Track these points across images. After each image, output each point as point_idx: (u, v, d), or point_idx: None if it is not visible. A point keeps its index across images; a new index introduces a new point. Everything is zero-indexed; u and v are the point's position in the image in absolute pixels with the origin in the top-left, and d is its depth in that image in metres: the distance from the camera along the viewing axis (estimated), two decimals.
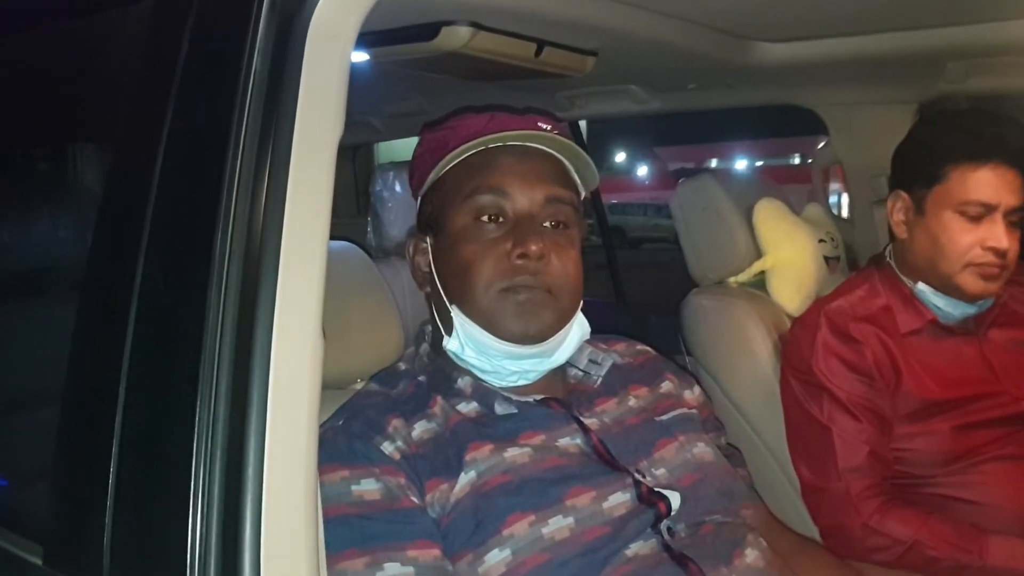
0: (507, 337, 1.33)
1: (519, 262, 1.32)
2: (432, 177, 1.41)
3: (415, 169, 1.48)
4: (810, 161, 3.12)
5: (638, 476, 1.33)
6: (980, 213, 1.79)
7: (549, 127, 1.40)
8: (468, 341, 1.35)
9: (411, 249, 1.47)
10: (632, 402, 1.45)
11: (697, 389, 1.60)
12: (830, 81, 2.38)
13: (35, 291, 1.46)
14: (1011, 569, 1.68)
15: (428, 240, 1.43)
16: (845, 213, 2.86)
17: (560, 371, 1.47)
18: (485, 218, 1.35)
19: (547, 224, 1.37)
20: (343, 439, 1.25)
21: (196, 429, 0.92)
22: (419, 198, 1.47)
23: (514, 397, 1.36)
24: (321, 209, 1.01)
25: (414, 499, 1.22)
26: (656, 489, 1.32)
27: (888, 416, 1.85)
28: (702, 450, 1.43)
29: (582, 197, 1.47)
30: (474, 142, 1.36)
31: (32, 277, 1.46)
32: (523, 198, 1.36)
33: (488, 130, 1.37)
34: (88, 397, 1.09)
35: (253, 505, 0.92)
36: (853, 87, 2.44)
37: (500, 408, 1.34)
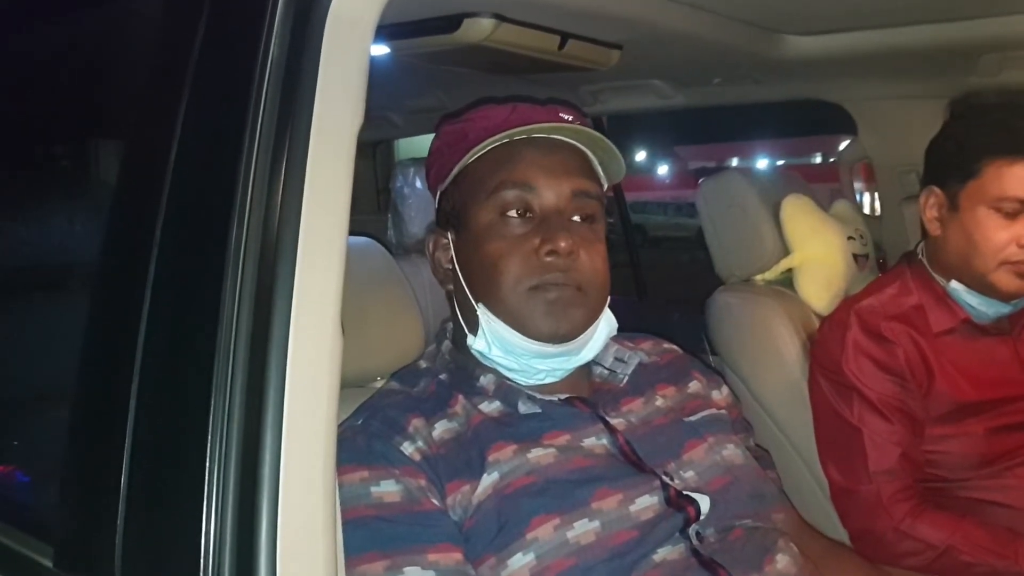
0: (536, 336, 1.30)
1: (548, 259, 1.29)
2: (455, 171, 1.38)
3: (433, 163, 1.45)
4: (832, 160, 3.08)
5: (666, 479, 1.29)
6: (1016, 210, 1.76)
7: (571, 118, 1.37)
8: (495, 340, 1.32)
9: (431, 245, 1.44)
10: (659, 402, 1.42)
11: (725, 389, 1.57)
12: (859, 75, 2.34)
13: (51, 286, 1.44)
14: None
15: (450, 236, 1.40)
16: (868, 210, 2.83)
17: (586, 370, 1.44)
18: (512, 213, 1.32)
19: (575, 219, 1.34)
20: (362, 439, 1.23)
21: (210, 429, 0.90)
22: (438, 193, 1.44)
23: (538, 396, 1.33)
24: (339, 203, 0.98)
25: (435, 501, 1.20)
26: (685, 492, 1.29)
27: (920, 417, 1.82)
28: (732, 452, 1.39)
29: (604, 190, 1.44)
30: (501, 135, 1.33)
31: (48, 272, 1.44)
32: (550, 193, 1.33)
33: (511, 122, 1.34)
34: (100, 396, 1.07)
35: (269, 506, 0.89)
36: (883, 81, 2.39)
37: (523, 407, 1.31)
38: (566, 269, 1.30)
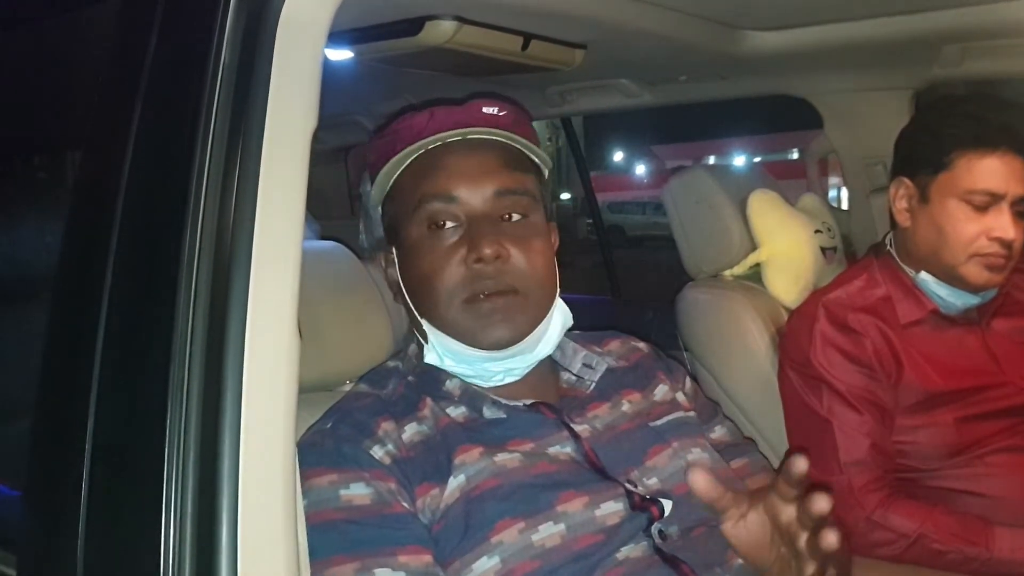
0: (481, 347, 1.30)
1: (476, 267, 1.28)
2: (379, 189, 1.38)
3: (369, 180, 1.44)
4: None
5: (629, 487, 1.28)
6: (986, 202, 1.77)
7: (495, 110, 1.36)
8: (445, 352, 1.33)
9: (382, 262, 1.44)
10: (625, 407, 1.41)
11: (688, 383, 1.55)
12: (823, 69, 2.35)
13: (7, 296, 1.43)
14: (1018, 561, 1.66)
15: (394, 251, 1.40)
16: (846, 206, 2.84)
17: (553, 375, 1.44)
18: (437, 226, 1.32)
19: (504, 217, 1.33)
20: (331, 442, 1.22)
21: (168, 435, 0.90)
22: (379, 209, 1.43)
23: (503, 401, 1.33)
24: (294, 205, 0.98)
25: (405, 504, 1.19)
26: (648, 497, 1.28)
27: (889, 408, 1.82)
28: (697, 456, 1.38)
29: (545, 175, 1.44)
30: (412, 147, 1.32)
31: (4, 282, 1.43)
32: (473, 197, 1.31)
33: (429, 129, 1.33)
34: (59, 404, 1.06)
35: (229, 512, 0.89)
36: (847, 75, 2.41)
37: (488, 412, 1.31)
38: (496, 275, 1.29)
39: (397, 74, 2.22)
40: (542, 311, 1.35)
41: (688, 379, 1.56)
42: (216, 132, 0.95)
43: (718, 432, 1.53)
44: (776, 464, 2.00)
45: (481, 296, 1.29)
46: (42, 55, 1.36)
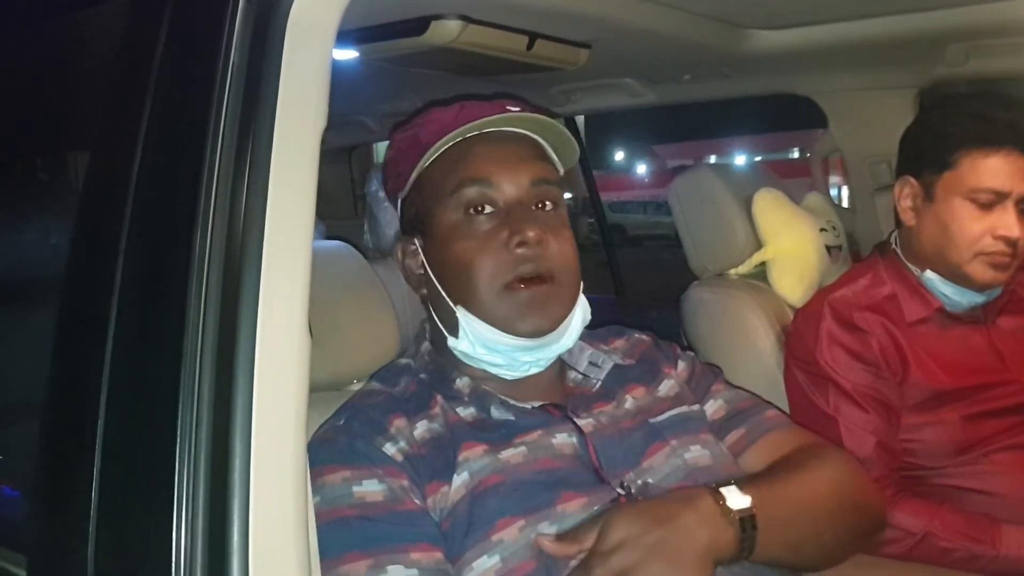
0: (519, 334, 1.31)
1: (519, 251, 1.29)
2: (412, 176, 1.38)
3: (389, 174, 1.45)
4: (809, 155, 3.10)
5: (620, 491, 1.28)
6: (991, 201, 1.77)
7: (519, 109, 1.37)
8: (477, 340, 1.33)
9: (400, 253, 1.44)
10: (628, 403, 1.41)
11: (681, 364, 1.54)
12: (828, 68, 2.36)
13: (16, 296, 1.43)
14: None
15: (417, 242, 1.40)
16: (845, 204, 2.84)
17: (560, 374, 1.44)
18: (474, 211, 1.33)
19: (537, 207, 1.35)
20: (344, 439, 1.23)
21: (179, 435, 0.90)
22: (399, 202, 1.45)
23: (512, 402, 1.33)
24: (304, 205, 0.98)
25: (417, 501, 1.19)
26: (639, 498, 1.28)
27: (895, 406, 1.83)
28: (696, 454, 1.37)
29: (561, 175, 1.45)
30: (452, 134, 1.33)
31: (14, 282, 1.43)
32: (510, 185, 1.33)
33: (459, 121, 1.34)
34: (69, 404, 1.06)
35: (240, 512, 0.89)
36: (851, 73, 2.41)
37: (496, 413, 1.31)
38: (536, 258, 1.30)
39: (402, 74, 2.22)
40: (573, 300, 1.36)
41: (680, 360, 1.55)
42: (225, 133, 0.95)
43: (712, 407, 1.50)
44: None
45: (520, 283, 1.30)
46: (50, 55, 1.36)
